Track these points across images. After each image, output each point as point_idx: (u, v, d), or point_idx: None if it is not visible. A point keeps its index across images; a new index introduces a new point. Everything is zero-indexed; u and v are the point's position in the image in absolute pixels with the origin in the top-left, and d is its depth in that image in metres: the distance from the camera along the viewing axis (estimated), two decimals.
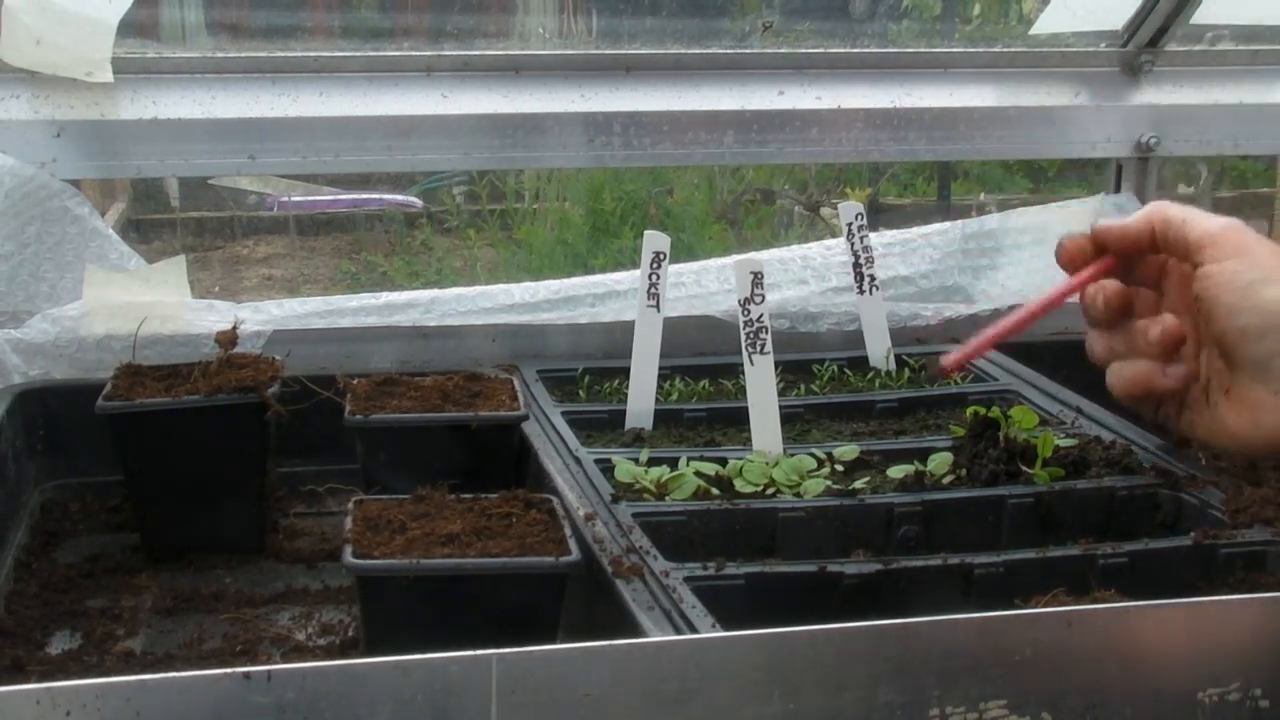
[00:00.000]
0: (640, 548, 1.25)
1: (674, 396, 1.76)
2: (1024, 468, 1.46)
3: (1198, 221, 1.36)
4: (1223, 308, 1.33)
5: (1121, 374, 1.38)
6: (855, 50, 2.16)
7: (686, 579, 1.18)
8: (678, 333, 1.85)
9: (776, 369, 1.56)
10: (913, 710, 0.99)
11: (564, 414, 1.63)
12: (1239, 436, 1.34)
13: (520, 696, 0.94)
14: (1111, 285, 1.38)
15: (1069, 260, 1.40)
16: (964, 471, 1.48)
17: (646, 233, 1.66)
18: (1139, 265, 1.40)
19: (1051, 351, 1.85)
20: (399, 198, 8.26)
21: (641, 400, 1.66)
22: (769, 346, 1.52)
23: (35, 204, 1.80)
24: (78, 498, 1.67)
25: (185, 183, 7.95)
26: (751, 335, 1.52)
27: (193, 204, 8.46)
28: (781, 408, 1.54)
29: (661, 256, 1.64)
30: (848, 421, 1.70)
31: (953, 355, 1.34)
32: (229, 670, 0.90)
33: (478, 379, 1.63)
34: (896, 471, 1.47)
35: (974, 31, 3.84)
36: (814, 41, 2.22)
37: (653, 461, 1.48)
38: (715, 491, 1.42)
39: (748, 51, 2.14)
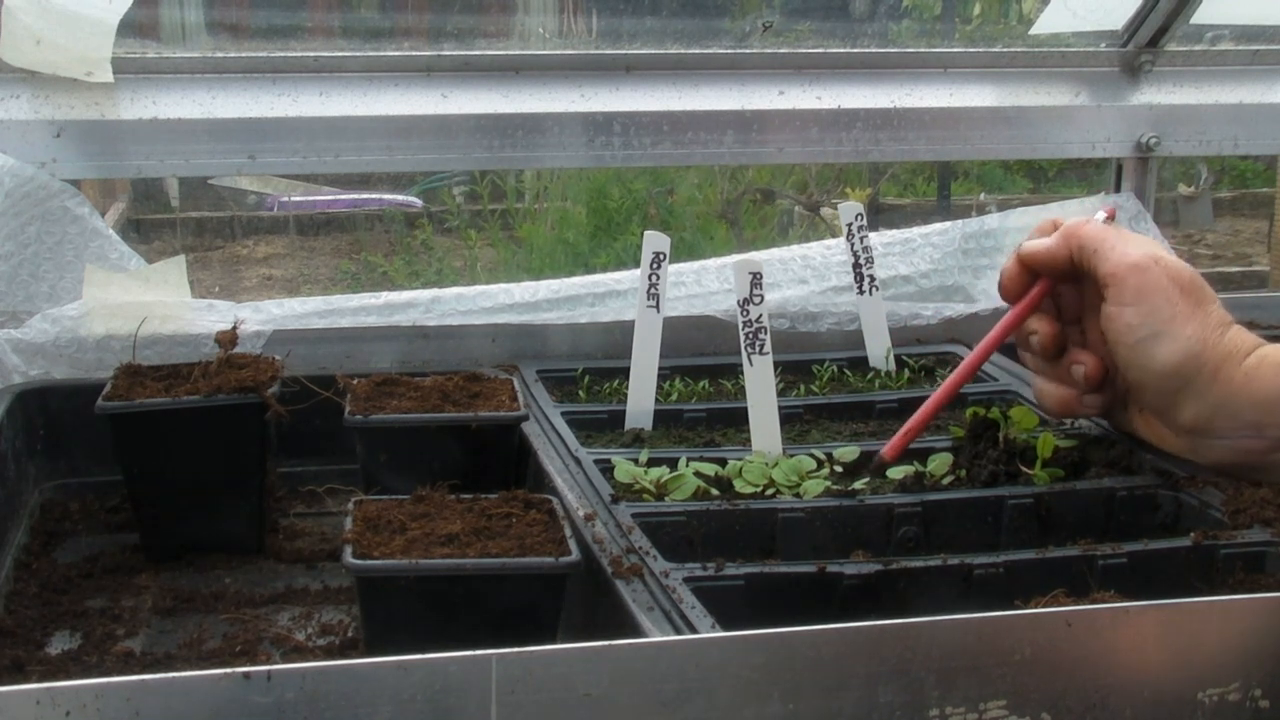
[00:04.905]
0: (640, 548, 1.25)
1: (674, 397, 1.76)
2: (1023, 468, 1.47)
3: (1107, 254, 1.42)
4: (1119, 359, 1.44)
5: (1046, 393, 1.54)
6: (855, 50, 2.16)
7: (686, 579, 1.18)
8: (678, 333, 1.85)
9: (776, 369, 1.56)
10: (912, 710, 0.99)
11: (564, 414, 1.63)
12: (1156, 445, 1.49)
13: (520, 696, 0.94)
14: (1047, 329, 1.52)
15: (1007, 290, 1.50)
16: (964, 472, 1.48)
17: (646, 233, 1.66)
18: (1065, 293, 1.48)
19: None
20: (399, 198, 8.27)
21: (641, 400, 1.66)
22: (768, 347, 1.53)
23: (35, 204, 1.80)
24: (78, 498, 1.67)
25: (185, 183, 7.97)
26: (751, 336, 1.52)
27: (193, 204, 8.48)
28: (781, 408, 1.54)
29: (661, 256, 1.64)
30: (847, 422, 1.70)
31: (892, 441, 1.48)
32: (229, 670, 0.90)
33: (478, 379, 1.63)
34: (896, 472, 1.47)
35: (974, 31, 3.84)
36: (814, 41, 2.22)
37: (652, 462, 1.48)
38: (715, 492, 1.42)
39: (748, 51, 2.14)
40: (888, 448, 1.47)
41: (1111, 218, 1.54)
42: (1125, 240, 1.43)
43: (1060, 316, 1.52)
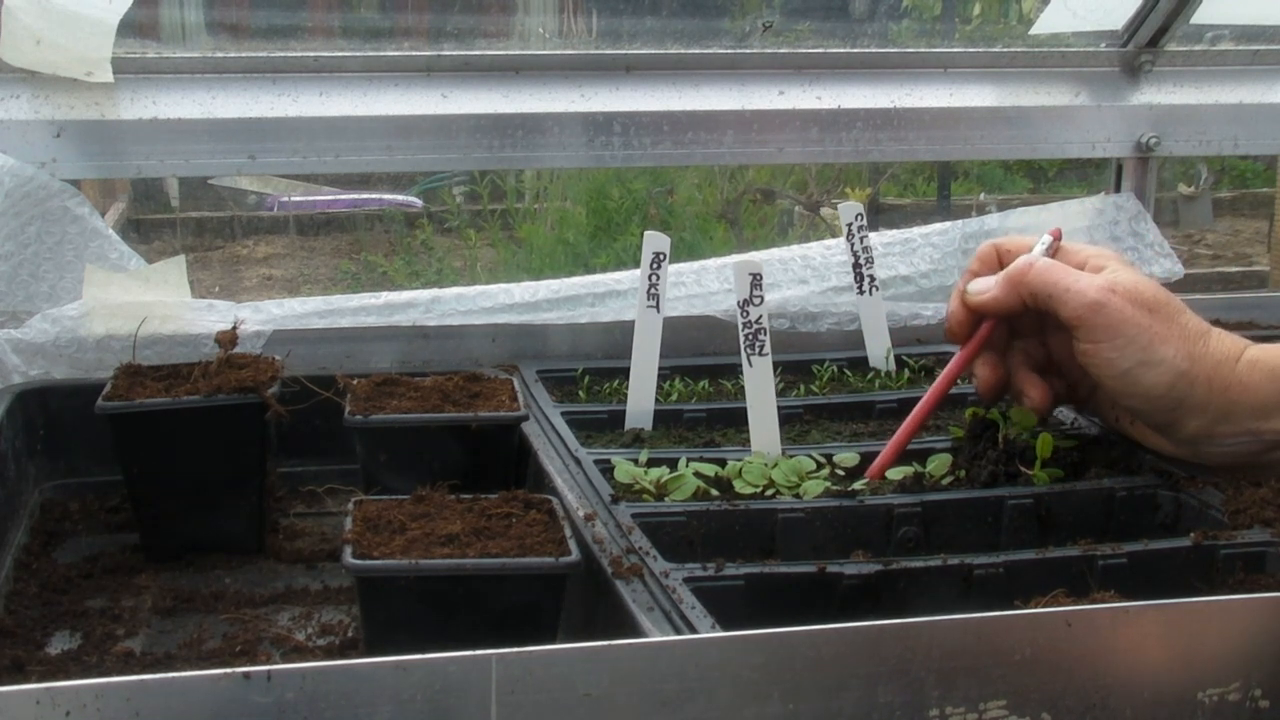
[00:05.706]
0: (640, 548, 1.25)
1: (674, 397, 1.76)
2: (1023, 469, 1.46)
3: (1062, 298, 1.41)
4: (1107, 390, 1.43)
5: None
6: (855, 50, 2.16)
7: (686, 579, 1.18)
8: (678, 333, 1.85)
9: (776, 369, 1.56)
10: (912, 710, 0.99)
11: (564, 414, 1.63)
12: (1155, 451, 1.48)
13: (520, 696, 0.94)
14: (986, 375, 1.51)
15: (953, 335, 1.50)
16: (963, 472, 1.48)
17: (646, 233, 1.66)
18: (1021, 317, 1.49)
19: None
20: (399, 198, 8.28)
21: (641, 400, 1.66)
22: (768, 348, 1.52)
23: (35, 204, 1.80)
24: (78, 498, 1.67)
25: (185, 183, 7.97)
26: (750, 337, 1.52)
27: (193, 204, 8.49)
28: (781, 408, 1.54)
29: (661, 257, 1.64)
30: (847, 422, 1.70)
31: (875, 463, 1.48)
32: (229, 670, 0.90)
33: (478, 379, 1.63)
34: (895, 473, 1.47)
35: (974, 31, 3.84)
36: (814, 41, 2.22)
37: (652, 462, 1.48)
38: (715, 492, 1.42)
39: (748, 51, 2.14)
40: (872, 468, 1.47)
41: (1058, 239, 1.50)
42: (1075, 276, 1.40)
43: (1013, 333, 1.52)
